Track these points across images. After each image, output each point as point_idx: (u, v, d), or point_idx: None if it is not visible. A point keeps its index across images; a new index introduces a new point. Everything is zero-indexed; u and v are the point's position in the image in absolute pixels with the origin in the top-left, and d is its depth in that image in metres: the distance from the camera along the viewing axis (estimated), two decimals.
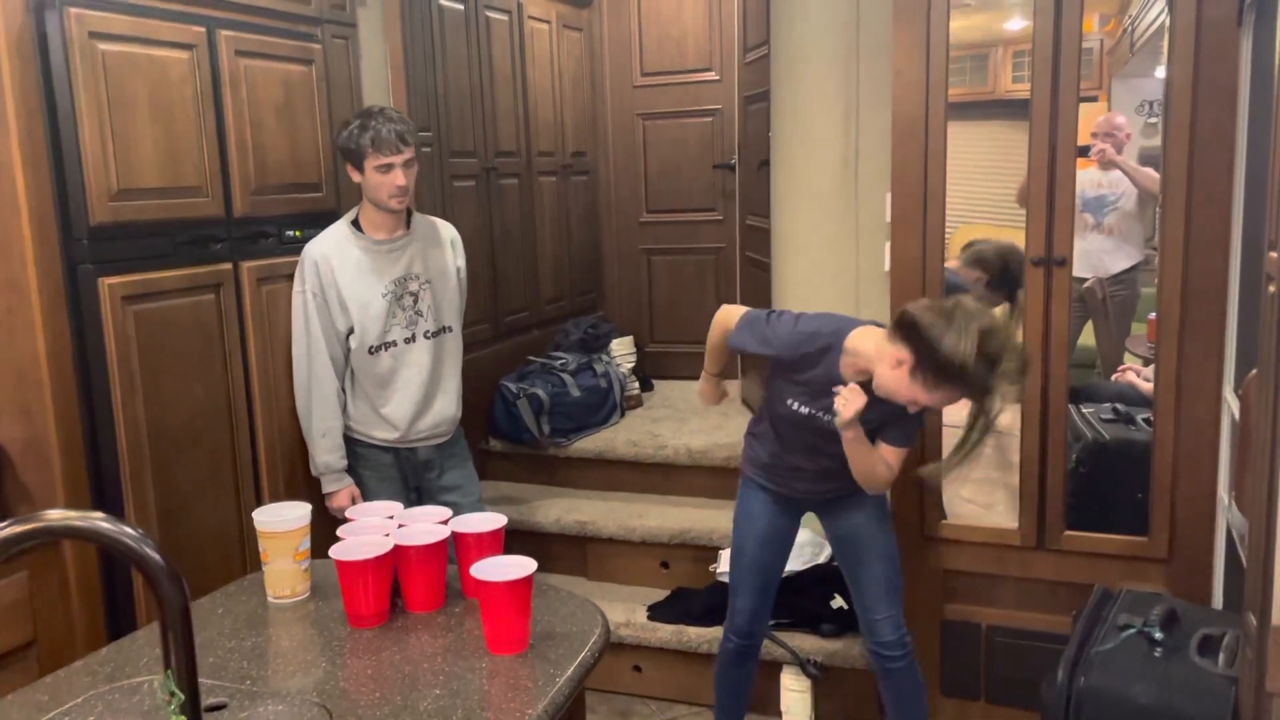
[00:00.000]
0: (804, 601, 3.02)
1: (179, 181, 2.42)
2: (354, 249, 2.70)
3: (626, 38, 4.87)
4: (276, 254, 2.72)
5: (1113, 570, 2.60)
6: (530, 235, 4.40)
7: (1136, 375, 2.96)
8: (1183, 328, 2.48)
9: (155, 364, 2.37)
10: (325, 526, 2.05)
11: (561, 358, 4.13)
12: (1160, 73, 2.61)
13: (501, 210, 4.18)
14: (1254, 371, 1.78)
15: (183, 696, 1.11)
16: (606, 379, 4.10)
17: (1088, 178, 2.96)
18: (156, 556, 1.07)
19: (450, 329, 2.86)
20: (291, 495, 2.61)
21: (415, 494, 2.90)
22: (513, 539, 1.86)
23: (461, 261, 2.92)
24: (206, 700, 1.41)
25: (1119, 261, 3.13)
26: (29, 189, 2.14)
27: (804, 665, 2.93)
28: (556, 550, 3.53)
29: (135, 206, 2.31)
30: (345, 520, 1.90)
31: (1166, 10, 2.46)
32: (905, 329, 2.04)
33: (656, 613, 3.25)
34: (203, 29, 2.46)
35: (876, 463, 2.25)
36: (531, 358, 4.18)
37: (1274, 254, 1.53)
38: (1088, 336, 3.08)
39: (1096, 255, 3.12)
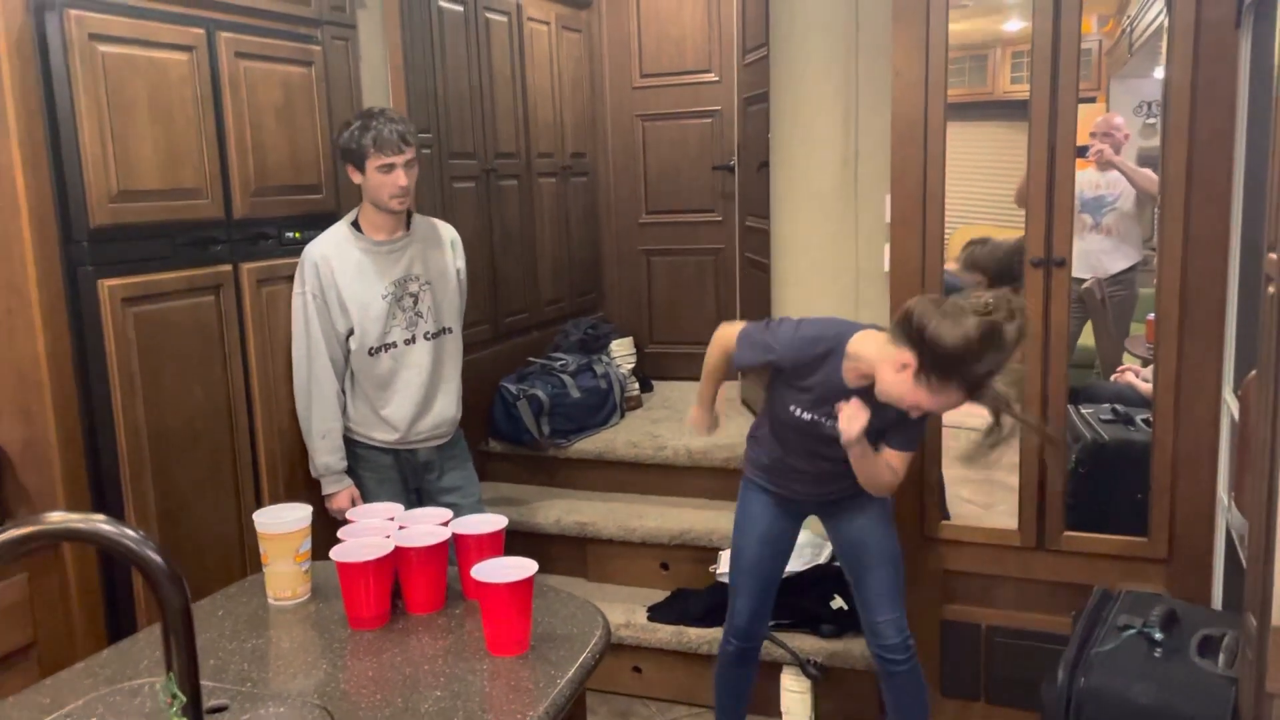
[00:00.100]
0: (804, 602, 3.02)
1: (179, 183, 2.42)
2: (354, 250, 2.70)
3: (626, 39, 4.87)
4: (276, 255, 2.72)
5: (1112, 571, 2.60)
6: (530, 236, 4.40)
7: (1135, 376, 2.96)
8: (1182, 328, 2.49)
9: (155, 365, 2.37)
10: (325, 528, 2.05)
11: (561, 359, 4.14)
12: (1159, 73, 2.62)
13: (501, 211, 4.18)
14: (1253, 372, 1.78)
15: (184, 699, 1.11)
16: (606, 380, 4.10)
17: (1086, 178, 2.96)
18: (158, 559, 1.07)
19: (450, 330, 2.87)
20: (291, 497, 2.61)
21: (415, 495, 2.90)
22: (512, 540, 1.86)
23: (461, 262, 2.92)
24: (208, 702, 1.41)
25: (1117, 262, 3.14)
26: (29, 191, 2.14)
27: (804, 666, 2.93)
28: (556, 551, 3.53)
29: (135, 208, 2.31)
30: (345, 522, 1.91)
31: (1165, 11, 2.46)
32: (906, 325, 2.03)
33: (656, 614, 3.25)
34: (202, 31, 2.46)
35: (882, 470, 2.25)
36: (531, 359, 4.18)
37: (1273, 255, 1.53)
38: (1087, 337, 3.09)
39: (1095, 256, 3.13)
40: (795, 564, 2.89)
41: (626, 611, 3.27)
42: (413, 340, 2.77)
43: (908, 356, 2.02)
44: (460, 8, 3.90)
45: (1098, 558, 2.64)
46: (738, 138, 4.54)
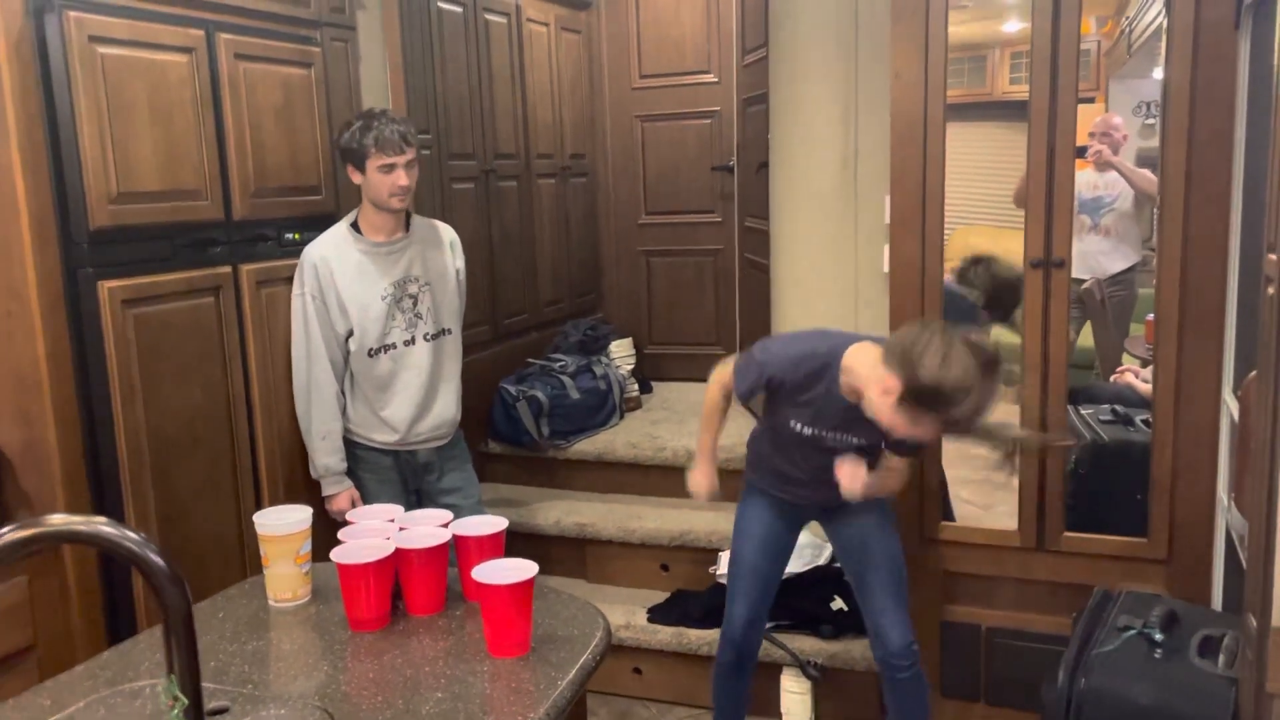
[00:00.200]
0: (804, 603, 3.02)
1: (178, 185, 2.42)
2: (353, 251, 2.70)
3: (625, 40, 4.87)
4: (276, 257, 2.72)
5: (1112, 571, 2.60)
6: (529, 237, 4.40)
7: (1135, 376, 2.96)
8: (1182, 329, 2.49)
9: (155, 367, 2.37)
10: (326, 530, 2.05)
11: (561, 360, 4.13)
12: (1158, 74, 2.62)
13: (500, 212, 4.18)
14: (1253, 373, 1.78)
15: (186, 701, 1.11)
16: (606, 381, 4.10)
17: (1084, 179, 2.96)
18: (159, 561, 1.07)
19: (450, 331, 2.87)
20: (291, 498, 2.60)
21: (415, 496, 2.90)
22: (512, 541, 1.86)
23: (461, 264, 2.92)
24: (209, 704, 1.41)
25: (1116, 263, 3.14)
26: (28, 193, 2.14)
27: (804, 667, 2.93)
28: (556, 552, 3.53)
29: (135, 210, 2.31)
30: (346, 523, 1.90)
31: (1164, 12, 2.47)
32: (895, 351, 2.02)
33: (656, 615, 3.25)
34: (201, 32, 2.46)
35: (887, 480, 2.27)
36: (531, 360, 4.18)
37: (1273, 256, 1.53)
38: (1085, 337, 3.09)
39: (1094, 257, 3.13)
40: (795, 565, 2.89)
41: (626, 613, 3.27)
42: (412, 341, 2.77)
43: (892, 382, 2.00)
44: (459, 9, 3.90)
45: (1098, 558, 2.64)
46: (737, 138, 4.54)
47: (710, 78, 4.73)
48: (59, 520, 1.10)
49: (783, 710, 2.98)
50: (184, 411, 2.45)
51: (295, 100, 2.74)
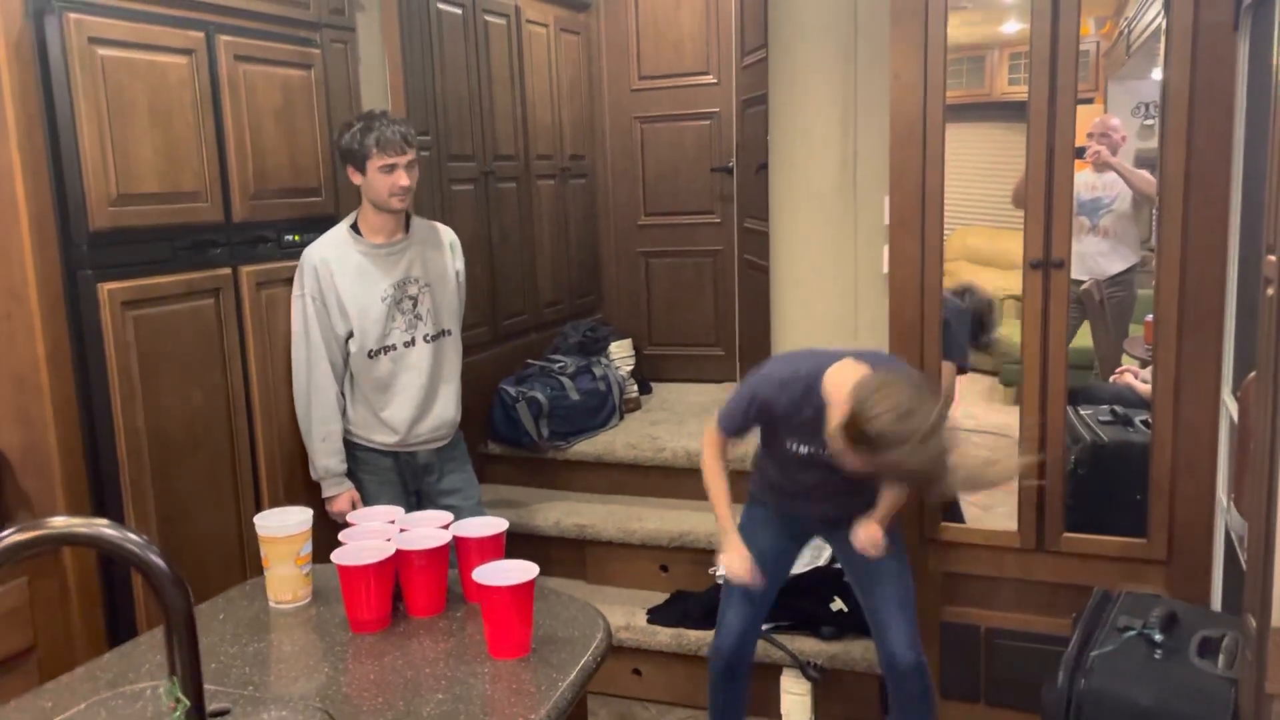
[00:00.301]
0: (804, 604, 3.02)
1: (178, 187, 2.42)
2: (353, 253, 2.70)
3: (624, 41, 4.87)
4: (276, 258, 2.72)
5: (1112, 572, 2.60)
6: (529, 238, 4.40)
7: (1134, 377, 2.97)
8: (1181, 330, 2.49)
9: (155, 369, 2.37)
10: (326, 531, 2.05)
11: (560, 361, 4.14)
12: (1156, 75, 2.62)
13: (500, 213, 4.18)
14: (1253, 374, 1.78)
15: (188, 703, 1.11)
16: (605, 382, 4.10)
17: (1083, 180, 2.97)
18: (161, 563, 1.07)
19: (449, 332, 2.87)
20: (291, 500, 2.61)
21: (415, 497, 2.90)
22: (512, 542, 1.86)
23: (460, 265, 2.92)
24: (210, 706, 1.40)
25: (1115, 264, 3.15)
26: (28, 195, 2.14)
27: (804, 668, 2.93)
28: (556, 553, 3.53)
29: (134, 212, 2.31)
30: (346, 525, 1.91)
31: (1163, 13, 2.47)
32: (854, 388, 2.03)
33: (656, 616, 3.25)
34: (201, 34, 2.46)
35: (896, 498, 2.32)
36: (530, 361, 4.18)
37: (1272, 257, 1.54)
38: (1085, 338, 3.09)
39: (1092, 258, 3.13)
40: (795, 566, 2.89)
41: (626, 614, 3.27)
42: (412, 343, 2.77)
43: (843, 410, 2.02)
44: (459, 10, 3.90)
45: (1097, 559, 2.64)
46: (736, 139, 4.55)
47: (709, 79, 4.73)
48: (60, 522, 1.10)
49: (783, 711, 2.98)
50: (184, 413, 2.45)
51: (295, 102, 2.74)
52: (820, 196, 3.14)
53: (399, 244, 2.74)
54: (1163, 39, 2.47)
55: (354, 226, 2.73)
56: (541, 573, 1.66)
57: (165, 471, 2.40)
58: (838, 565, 3.11)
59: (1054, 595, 2.69)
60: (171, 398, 2.42)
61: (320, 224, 2.78)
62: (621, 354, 4.44)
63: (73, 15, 2.16)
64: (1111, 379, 3.09)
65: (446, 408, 2.86)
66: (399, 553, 1.75)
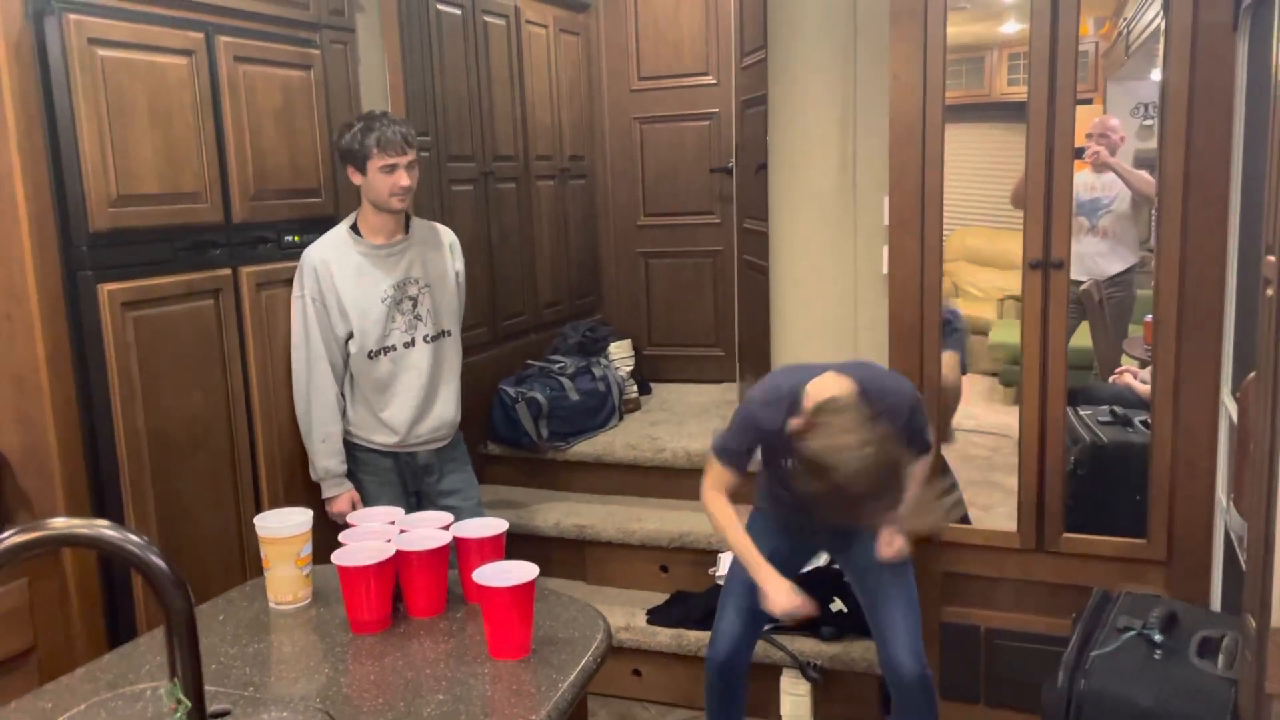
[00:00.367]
0: None
1: (178, 187, 2.42)
2: (353, 253, 2.70)
3: (623, 42, 4.87)
4: (275, 259, 2.72)
5: (1111, 572, 2.61)
6: (528, 239, 4.40)
7: (1134, 377, 2.97)
8: (1180, 330, 2.49)
9: (155, 370, 2.37)
10: (326, 532, 2.05)
11: (560, 361, 4.14)
12: (1155, 75, 2.63)
13: (499, 214, 4.18)
14: (1252, 374, 1.79)
15: (188, 704, 1.11)
16: (605, 382, 4.10)
17: (1081, 181, 2.97)
18: (161, 564, 1.07)
19: (449, 333, 2.87)
20: (291, 501, 2.61)
21: (415, 498, 2.90)
22: (511, 543, 1.86)
23: (460, 265, 2.92)
24: (210, 707, 1.40)
25: (1114, 264, 3.15)
26: (28, 196, 2.14)
27: (804, 669, 2.93)
28: (555, 554, 3.53)
29: (134, 213, 2.31)
30: (346, 525, 1.91)
31: (1162, 13, 2.47)
32: (820, 405, 2.07)
33: (656, 616, 3.25)
34: (201, 35, 2.46)
35: (918, 478, 2.32)
36: (530, 361, 4.18)
37: (1272, 257, 1.54)
38: (1084, 338, 3.09)
39: (1091, 258, 3.14)
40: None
41: (626, 614, 3.27)
42: (412, 343, 2.77)
43: (795, 424, 2.06)
44: (458, 11, 3.90)
45: (1097, 559, 2.64)
46: (736, 140, 4.54)
47: (709, 79, 4.73)
48: (61, 523, 1.10)
49: (782, 712, 2.98)
50: (184, 414, 2.45)
51: (295, 102, 2.74)
52: (820, 197, 3.14)
53: (399, 244, 2.75)
54: (1162, 39, 2.47)
55: (354, 227, 2.73)
56: (542, 573, 1.66)
57: (165, 472, 2.40)
58: (836, 565, 3.12)
59: (1054, 596, 2.69)
60: (171, 398, 2.42)
61: (320, 225, 2.78)
62: (621, 354, 4.44)
63: (72, 16, 2.16)
64: (1111, 379, 3.09)
65: (446, 408, 2.86)
66: (399, 553, 1.75)
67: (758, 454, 2.41)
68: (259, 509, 2.58)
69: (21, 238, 2.14)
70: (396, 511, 1.98)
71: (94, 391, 2.27)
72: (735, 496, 2.38)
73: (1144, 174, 2.98)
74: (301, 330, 2.70)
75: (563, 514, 3.61)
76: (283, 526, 1.83)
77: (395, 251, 2.74)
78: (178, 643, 1.10)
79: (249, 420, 2.65)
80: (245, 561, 2.59)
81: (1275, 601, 1.47)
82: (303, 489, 2.76)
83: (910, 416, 2.26)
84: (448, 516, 1.91)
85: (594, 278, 5.00)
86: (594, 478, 3.82)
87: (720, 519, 2.36)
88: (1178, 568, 2.57)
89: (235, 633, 1.74)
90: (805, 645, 2.99)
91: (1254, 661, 1.54)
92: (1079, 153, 2.75)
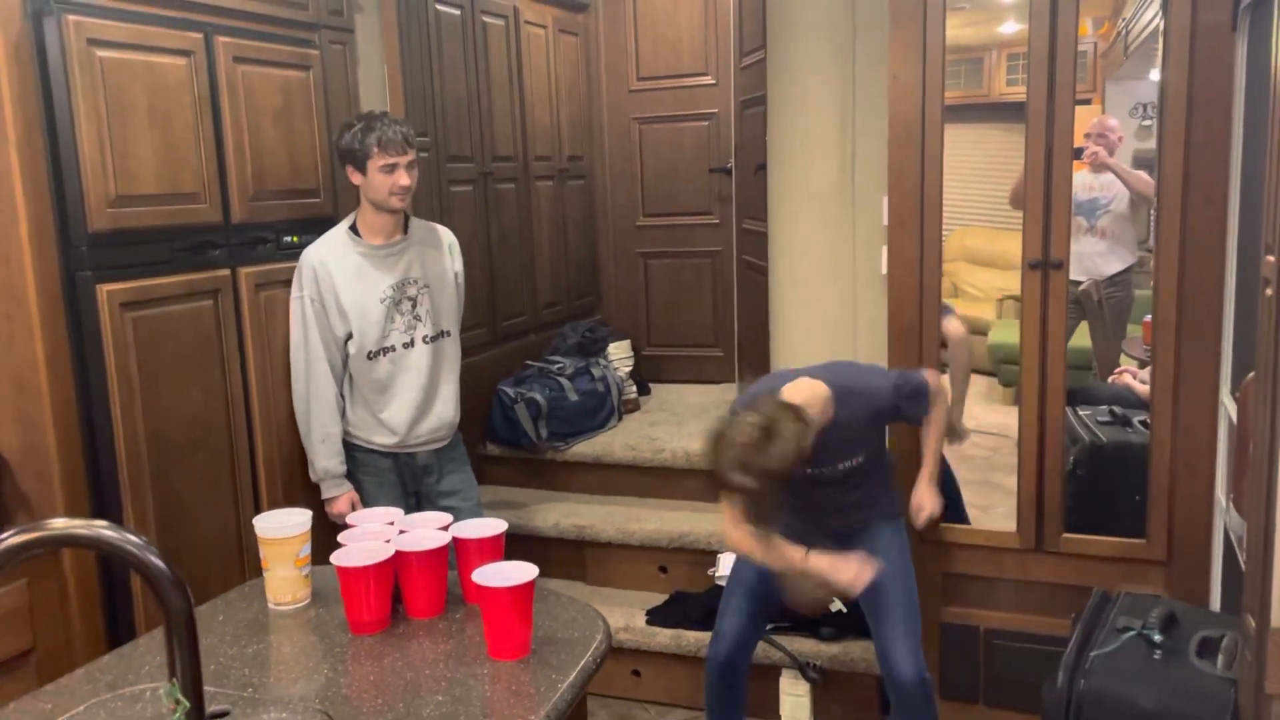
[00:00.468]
0: None
1: (177, 188, 2.42)
2: (352, 254, 2.70)
3: (622, 42, 4.87)
4: (274, 260, 2.72)
5: (1111, 572, 2.61)
6: (527, 239, 4.40)
7: (1133, 377, 2.97)
8: (1180, 330, 2.49)
9: (154, 370, 2.37)
10: (325, 533, 2.05)
11: (559, 362, 4.13)
12: (1154, 75, 2.63)
13: (499, 214, 4.18)
14: (1251, 374, 1.79)
15: (188, 704, 1.11)
16: (604, 383, 4.10)
17: (1080, 181, 2.97)
18: (161, 564, 1.07)
19: (448, 333, 2.87)
20: (291, 502, 2.61)
21: (414, 499, 2.90)
22: (511, 543, 1.86)
23: (459, 266, 2.92)
24: (209, 708, 1.40)
25: (1112, 264, 3.15)
26: (27, 196, 2.14)
27: (803, 669, 2.93)
28: (555, 555, 3.53)
29: (133, 213, 2.31)
30: (345, 526, 1.90)
31: (1161, 14, 2.47)
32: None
33: (655, 617, 3.25)
34: (200, 35, 2.46)
35: (939, 417, 2.40)
36: (529, 362, 4.18)
37: (1271, 257, 1.54)
38: (1083, 338, 3.10)
39: (1090, 258, 3.14)
40: None
41: (625, 615, 3.27)
42: (411, 344, 2.77)
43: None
44: (457, 11, 3.90)
45: (1096, 560, 2.64)
46: (735, 140, 4.54)
47: (708, 80, 4.73)
48: (60, 524, 1.10)
49: (782, 713, 2.98)
50: (183, 414, 2.45)
51: (294, 103, 2.74)
52: (819, 197, 3.14)
53: (398, 245, 2.74)
54: (1160, 39, 2.47)
55: (353, 227, 2.73)
56: (541, 574, 1.66)
57: (164, 473, 2.40)
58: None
59: (1053, 596, 2.69)
60: (171, 399, 2.42)
61: (319, 225, 2.78)
62: (620, 355, 4.44)
63: (71, 17, 2.16)
64: (1110, 379, 3.09)
65: (445, 409, 2.86)
66: (398, 554, 1.75)
67: None
68: (258, 510, 2.58)
69: (21, 238, 2.14)
70: (396, 512, 1.97)
71: (93, 392, 2.27)
72: None
73: (1142, 174, 2.99)
74: (300, 331, 2.70)
75: (562, 514, 3.61)
76: (282, 527, 1.83)
77: (394, 252, 2.74)
78: (177, 643, 1.10)
79: (248, 421, 2.65)
80: (244, 562, 2.59)
81: (1275, 601, 1.47)
82: (302, 489, 2.76)
83: (894, 402, 2.34)
84: (447, 517, 1.91)
85: (593, 278, 5.00)
86: (593, 478, 3.82)
87: (745, 542, 2.30)
88: (1177, 568, 2.57)
89: (234, 633, 1.74)
90: (805, 645, 2.99)
91: (1254, 661, 1.54)
92: (1078, 153, 2.75)
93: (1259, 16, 2.15)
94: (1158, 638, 2.06)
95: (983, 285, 3.40)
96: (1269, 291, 1.54)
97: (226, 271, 2.57)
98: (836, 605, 3.03)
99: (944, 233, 2.71)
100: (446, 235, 2.91)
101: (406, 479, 2.87)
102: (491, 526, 1.83)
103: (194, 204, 2.47)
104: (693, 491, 3.70)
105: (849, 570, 2.21)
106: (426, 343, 2.80)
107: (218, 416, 2.56)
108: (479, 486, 3.09)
